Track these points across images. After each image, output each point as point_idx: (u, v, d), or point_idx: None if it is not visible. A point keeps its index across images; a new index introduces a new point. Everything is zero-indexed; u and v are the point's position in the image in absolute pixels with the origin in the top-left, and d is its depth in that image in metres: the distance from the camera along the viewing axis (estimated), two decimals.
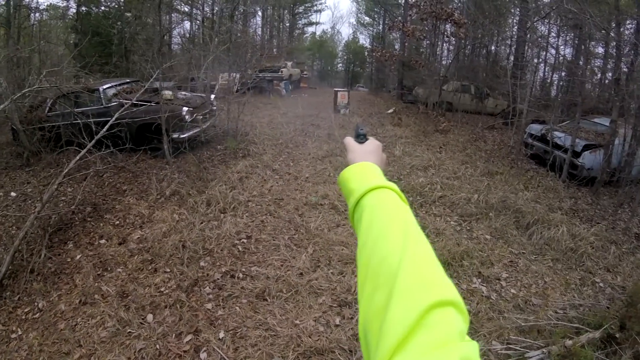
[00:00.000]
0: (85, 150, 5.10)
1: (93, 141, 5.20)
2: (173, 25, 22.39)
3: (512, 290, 3.67)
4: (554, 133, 7.46)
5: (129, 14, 18.32)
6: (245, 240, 4.15)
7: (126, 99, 6.56)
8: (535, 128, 8.23)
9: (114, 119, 5.69)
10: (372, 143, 0.75)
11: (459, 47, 12.96)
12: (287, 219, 4.62)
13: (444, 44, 13.44)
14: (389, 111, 13.86)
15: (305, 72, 22.74)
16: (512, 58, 13.83)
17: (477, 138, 9.79)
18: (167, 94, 7.34)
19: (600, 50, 12.99)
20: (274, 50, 24.79)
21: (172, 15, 22.59)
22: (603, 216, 5.59)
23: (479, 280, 3.74)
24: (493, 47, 17.14)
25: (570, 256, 4.34)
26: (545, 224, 4.85)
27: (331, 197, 5.18)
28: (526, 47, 12.61)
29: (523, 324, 3.06)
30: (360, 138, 0.76)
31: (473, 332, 3.03)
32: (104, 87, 7.11)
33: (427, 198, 5.43)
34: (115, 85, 7.45)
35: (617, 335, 2.75)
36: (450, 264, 3.85)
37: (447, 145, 8.68)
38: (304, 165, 6.71)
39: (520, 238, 4.71)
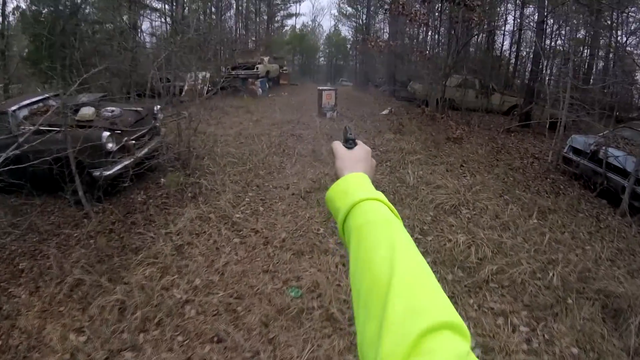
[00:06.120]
0: None
1: None
2: (139, 24, 20.04)
3: None
4: (609, 150, 5.63)
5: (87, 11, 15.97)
6: None
7: (32, 124, 4.56)
8: (580, 141, 6.34)
9: (5, 155, 3.77)
10: (362, 149, 0.70)
11: (461, 34, 10.96)
12: (247, 351, 2.59)
13: (441, 31, 11.46)
14: (384, 112, 11.93)
15: (284, 68, 20.58)
16: (514, 47, 11.96)
17: (499, 148, 7.90)
18: (87, 112, 5.23)
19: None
20: (250, 44, 22.49)
21: (143, 12, 20.16)
22: None
23: None
24: (501, 35, 15.27)
25: None
26: None
27: (324, 287, 3.15)
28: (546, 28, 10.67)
29: None
30: (349, 143, 0.70)
31: None
32: (14, 108, 5.00)
33: (474, 274, 3.48)
34: (30, 105, 5.31)
35: None
36: None
37: (468, 162, 6.75)
38: (280, 210, 4.69)
39: (613, 342, 2.82)
